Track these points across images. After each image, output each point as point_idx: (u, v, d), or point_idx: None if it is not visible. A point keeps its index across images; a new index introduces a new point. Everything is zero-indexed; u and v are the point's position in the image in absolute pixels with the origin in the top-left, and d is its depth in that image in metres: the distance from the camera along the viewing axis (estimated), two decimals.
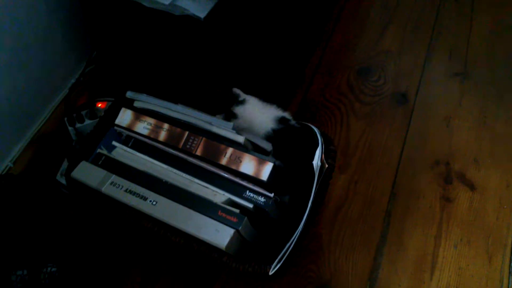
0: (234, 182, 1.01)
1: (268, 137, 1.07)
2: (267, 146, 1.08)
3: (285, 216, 1.03)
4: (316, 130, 1.04)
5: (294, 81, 1.50)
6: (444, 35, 1.60)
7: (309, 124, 1.06)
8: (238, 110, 1.08)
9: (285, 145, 1.06)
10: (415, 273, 1.16)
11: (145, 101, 1.11)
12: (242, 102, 1.08)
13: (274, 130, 1.06)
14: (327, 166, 1.01)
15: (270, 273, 0.92)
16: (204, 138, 1.04)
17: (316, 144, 1.02)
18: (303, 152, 1.05)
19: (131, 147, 1.09)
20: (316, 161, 0.99)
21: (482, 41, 1.58)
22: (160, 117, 1.09)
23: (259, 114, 1.08)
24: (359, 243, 1.21)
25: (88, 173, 1.04)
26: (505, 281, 1.14)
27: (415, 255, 1.19)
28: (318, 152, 1.00)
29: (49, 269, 1.08)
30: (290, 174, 1.04)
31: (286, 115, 1.09)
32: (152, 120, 1.08)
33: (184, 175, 1.03)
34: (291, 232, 0.96)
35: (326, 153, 1.05)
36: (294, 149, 1.07)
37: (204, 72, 1.30)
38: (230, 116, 1.08)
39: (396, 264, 1.18)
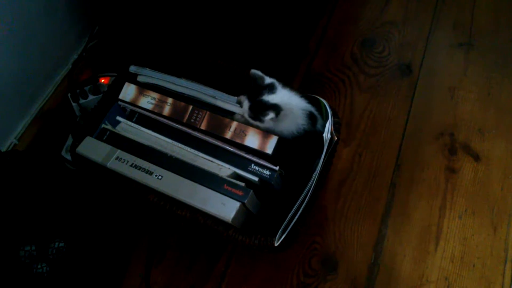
0: (239, 156, 1.01)
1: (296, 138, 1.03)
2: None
3: (290, 189, 1.03)
4: (324, 102, 1.03)
5: (297, 54, 1.49)
6: (449, 5, 1.58)
7: (318, 97, 1.05)
8: (273, 99, 0.99)
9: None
10: (420, 244, 1.17)
11: (148, 75, 1.11)
12: (271, 88, 1.00)
13: (305, 130, 1.02)
14: (336, 139, 1.01)
15: (276, 245, 0.93)
16: (208, 112, 1.04)
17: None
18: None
19: (135, 122, 1.09)
20: (326, 134, 0.98)
21: (487, 10, 1.56)
22: (164, 92, 1.09)
23: (293, 109, 1.01)
24: (364, 215, 1.22)
25: (93, 149, 1.04)
26: (510, 250, 1.15)
27: (420, 226, 1.19)
28: (328, 125, 0.99)
29: (56, 244, 1.09)
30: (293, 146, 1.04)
31: (314, 109, 1.05)
32: (156, 95, 1.07)
33: (189, 149, 1.03)
34: (295, 204, 0.96)
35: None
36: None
37: (207, 45, 1.29)
38: (261, 107, 0.98)
39: (401, 235, 1.18)
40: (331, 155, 1.07)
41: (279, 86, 1.01)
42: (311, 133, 1.03)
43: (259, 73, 1.01)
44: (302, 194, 0.96)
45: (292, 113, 1.00)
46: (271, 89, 1.00)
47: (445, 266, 1.14)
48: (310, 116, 1.03)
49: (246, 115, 1.01)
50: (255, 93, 0.99)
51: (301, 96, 1.04)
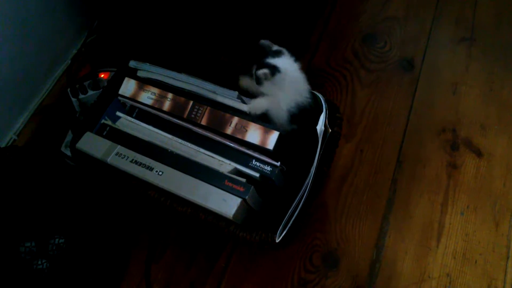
0: (240, 151, 1.00)
1: (300, 112, 1.03)
2: None
3: (291, 185, 1.02)
4: (320, 96, 1.03)
5: (298, 49, 1.48)
6: (451, 0, 1.57)
7: (313, 91, 1.05)
8: (276, 61, 1.01)
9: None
10: (421, 240, 1.16)
11: (148, 70, 1.10)
12: (278, 53, 1.03)
13: (310, 105, 1.03)
14: (330, 131, 1.00)
15: (277, 241, 0.92)
16: (208, 108, 1.03)
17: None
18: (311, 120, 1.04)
19: (135, 117, 1.08)
20: (320, 126, 0.98)
21: (489, 5, 1.55)
22: (164, 87, 1.08)
23: (294, 79, 1.03)
24: (366, 212, 1.21)
25: (93, 144, 1.03)
26: None
27: (421, 222, 1.19)
28: (322, 117, 0.99)
29: (56, 240, 1.09)
30: (297, 142, 1.04)
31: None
32: (156, 90, 1.07)
33: (189, 145, 1.02)
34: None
35: (333, 121, 1.04)
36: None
37: (208, 40, 1.29)
38: (264, 67, 0.99)
39: (403, 231, 1.18)
40: (333, 151, 1.06)
41: (287, 55, 1.04)
42: (313, 112, 1.03)
43: (267, 42, 1.04)
44: (301, 189, 0.96)
45: (297, 82, 1.02)
46: (277, 53, 1.02)
47: (447, 262, 1.14)
48: (313, 95, 1.04)
49: (254, 83, 1.02)
50: (262, 58, 1.01)
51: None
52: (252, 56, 1.03)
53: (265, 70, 0.98)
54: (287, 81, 1.00)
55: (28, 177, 1.15)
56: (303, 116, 1.03)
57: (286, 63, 1.02)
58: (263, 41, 1.04)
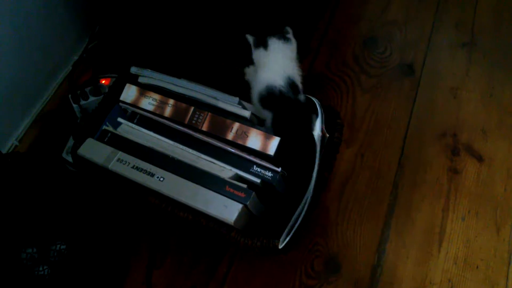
0: (241, 157, 1.00)
1: (269, 95, 1.03)
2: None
3: (292, 190, 1.02)
4: (316, 101, 1.03)
5: (299, 54, 1.48)
6: (451, 4, 1.57)
7: (309, 96, 1.05)
8: (257, 54, 1.07)
9: (290, 119, 1.05)
10: (423, 245, 1.16)
11: (149, 76, 1.10)
12: (283, 32, 1.08)
13: (281, 92, 1.02)
14: (328, 136, 1.00)
15: (280, 247, 0.92)
16: (209, 113, 1.03)
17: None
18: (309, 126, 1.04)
19: (136, 124, 1.08)
20: (317, 132, 0.98)
21: (489, 10, 1.55)
22: (165, 93, 1.08)
23: (274, 61, 1.06)
24: (367, 216, 1.21)
25: (94, 150, 1.03)
26: None
27: (423, 227, 1.19)
28: (318, 123, 0.99)
29: (58, 246, 1.08)
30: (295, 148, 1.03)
31: (298, 80, 1.06)
32: (157, 96, 1.07)
33: (190, 151, 1.02)
34: (298, 206, 0.96)
35: (333, 127, 1.04)
36: (300, 123, 1.05)
37: (209, 45, 1.29)
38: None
39: (404, 236, 1.18)
40: (333, 156, 1.06)
41: (289, 38, 1.09)
42: (292, 101, 1.03)
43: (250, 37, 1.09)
44: (304, 196, 0.96)
45: (275, 65, 1.05)
46: (282, 32, 1.09)
47: (448, 268, 1.14)
48: (291, 84, 1.03)
49: None
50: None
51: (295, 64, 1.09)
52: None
53: (252, 37, 1.05)
54: (269, 60, 1.05)
55: (29, 183, 1.15)
56: (273, 102, 1.03)
57: (278, 43, 1.07)
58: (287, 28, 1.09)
